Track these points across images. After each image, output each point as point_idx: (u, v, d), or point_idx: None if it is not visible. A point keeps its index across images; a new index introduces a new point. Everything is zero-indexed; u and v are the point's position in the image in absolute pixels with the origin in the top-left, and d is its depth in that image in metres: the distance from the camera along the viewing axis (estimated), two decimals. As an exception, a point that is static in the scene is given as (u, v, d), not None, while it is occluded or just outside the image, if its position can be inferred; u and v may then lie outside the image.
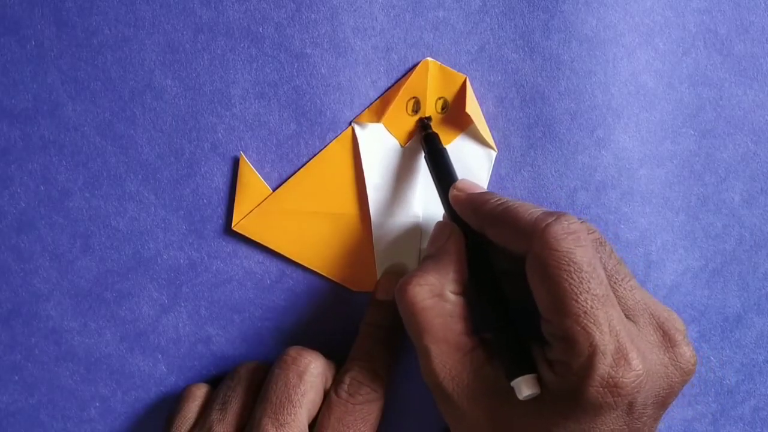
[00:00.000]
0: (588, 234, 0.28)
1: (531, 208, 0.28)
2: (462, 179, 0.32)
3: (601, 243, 0.29)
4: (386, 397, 0.33)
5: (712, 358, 0.39)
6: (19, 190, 0.33)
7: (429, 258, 0.31)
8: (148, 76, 0.33)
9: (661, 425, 0.33)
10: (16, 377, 0.35)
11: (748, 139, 0.38)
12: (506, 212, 0.29)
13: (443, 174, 0.33)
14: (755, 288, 0.39)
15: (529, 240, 0.27)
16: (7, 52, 0.32)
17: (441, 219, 0.35)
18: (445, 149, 0.34)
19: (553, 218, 0.27)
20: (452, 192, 0.31)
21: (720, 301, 0.39)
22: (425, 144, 0.34)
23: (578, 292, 0.26)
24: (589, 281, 0.26)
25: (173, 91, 0.34)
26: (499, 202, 0.29)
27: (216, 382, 0.35)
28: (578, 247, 0.26)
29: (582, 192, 0.36)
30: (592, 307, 0.26)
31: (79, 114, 0.33)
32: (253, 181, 0.35)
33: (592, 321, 0.25)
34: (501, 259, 0.30)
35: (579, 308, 0.26)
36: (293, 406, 0.31)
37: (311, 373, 0.32)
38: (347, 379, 0.32)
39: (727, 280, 0.39)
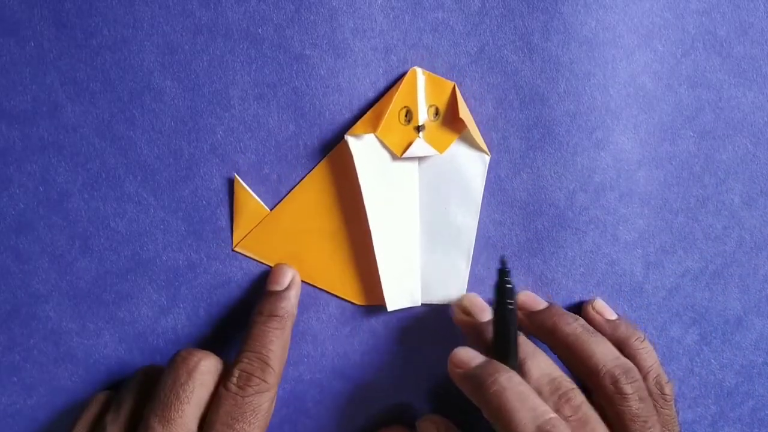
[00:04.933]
0: None
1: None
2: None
3: None
4: (278, 387, 0.33)
5: (712, 360, 0.39)
6: (18, 191, 0.33)
7: None
8: (147, 77, 0.33)
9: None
10: (15, 378, 0.35)
11: (748, 140, 0.38)
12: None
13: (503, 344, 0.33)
14: (755, 290, 0.39)
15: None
16: (6, 53, 0.32)
17: (441, 227, 0.35)
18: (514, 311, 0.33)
19: None
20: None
21: (720, 304, 0.39)
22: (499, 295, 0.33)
23: None
24: None
25: (172, 93, 0.34)
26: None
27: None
28: None
29: (581, 193, 0.36)
30: None
31: (78, 115, 0.33)
32: (249, 202, 0.34)
33: None
34: None
35: None
36: (180, 402, 0.30)
37: (200, 370, 0.31)
38: (236, 372, 0.32)
39: (727, 282, 0.39)
